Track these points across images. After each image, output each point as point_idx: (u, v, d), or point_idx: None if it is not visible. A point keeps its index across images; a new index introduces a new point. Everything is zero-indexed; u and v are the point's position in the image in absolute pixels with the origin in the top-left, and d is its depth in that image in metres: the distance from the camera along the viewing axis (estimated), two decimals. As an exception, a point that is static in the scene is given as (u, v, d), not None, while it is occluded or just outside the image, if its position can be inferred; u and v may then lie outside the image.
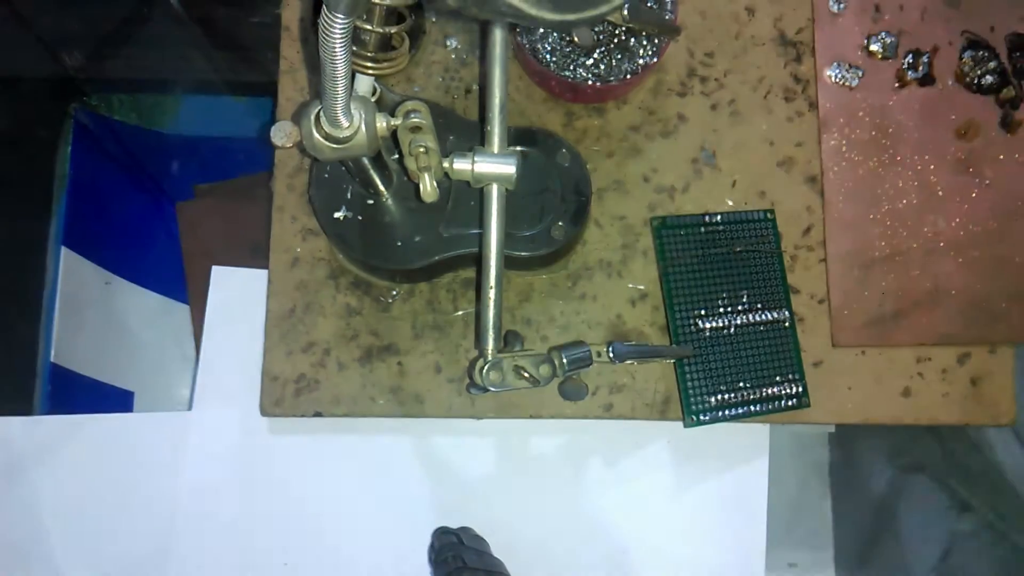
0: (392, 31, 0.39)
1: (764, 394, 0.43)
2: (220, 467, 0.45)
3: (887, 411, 0.44)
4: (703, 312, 0.43)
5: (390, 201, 0.41)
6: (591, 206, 0.43)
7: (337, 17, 0.26)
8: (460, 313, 0.44)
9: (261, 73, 0.60)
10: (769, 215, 0.45)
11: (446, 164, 0.35)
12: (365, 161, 0.36)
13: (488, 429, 0.45)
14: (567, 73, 0.42)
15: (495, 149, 0.36)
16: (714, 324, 0.43)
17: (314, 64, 0.45)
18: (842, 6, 0.46)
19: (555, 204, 0.41)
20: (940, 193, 0.45)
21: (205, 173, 0.63)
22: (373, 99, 0.39)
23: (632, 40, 0.42)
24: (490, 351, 0.36)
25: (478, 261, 0.41)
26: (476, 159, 0.35)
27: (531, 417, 0.43)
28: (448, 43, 0.46)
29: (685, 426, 0.42)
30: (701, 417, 0.42)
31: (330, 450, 0.45)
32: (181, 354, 0.59)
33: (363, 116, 0.32)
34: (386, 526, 0.44)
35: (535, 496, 0.44)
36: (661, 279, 0.43)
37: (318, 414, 0.43)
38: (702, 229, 0.44)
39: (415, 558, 0.43)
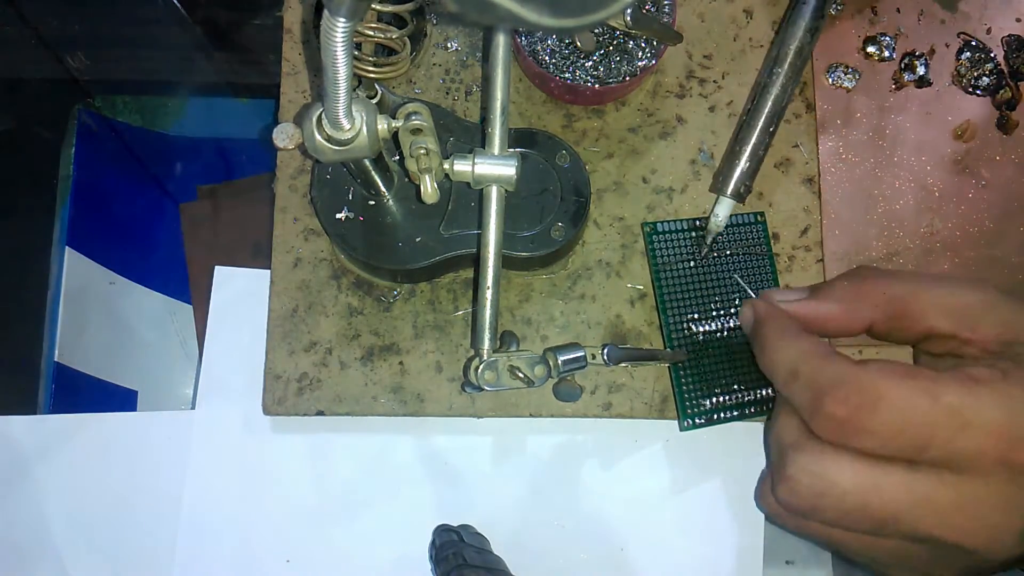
0: (394, 36, 0.39)
1: (760, 396, 0.43)
2: (223, 465, 0.45)
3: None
4: (696, 316, 0.43)
5: (391, 202, 0.41)
6: (590, 207, 0.43)
7: (338, 21, 0.27)
8: (461, 313, 0.44)
9: (263, 75, 0.61)
10: (759, 217, 0.45)
11: (447, 166, 0.36)
12: (366, 163, 0.36)
13: (488, 428, 0.45)
14: (566, 75, 0.42)
15: (495, 151, 0.36)
16: (707, 328, 0.43)
17: (316, 66, 0.46)
18: (839, 8, 0.47)
19: (555, 205, 0.42)
20: (937, 194, 0.45)
21: (208, 174, 0.63)
22: (374, 101, 0.39)
23: (631, 43, 0.43)
24: (486, 351, 0.37)
25: (478, 261, 0.42)
26: (476, 160, 0.36)
27: (531, 416, 0.43)
28: (449, 46, 0.46)
29: (681, 429, 0.42)
30: (696, 420, 0.42)
31: (332, 448, 0.45)
32: (184, 353, 0.59)
33: (364, 118, 0.32)
34: (387, 523, 0.44)
35: (535, 494, 0.45)
36: (653, 284, 0.43)
37: (320, 413, 0.43)
38: (693, 234, 0.44)
39: (416, 555, 0.44)
